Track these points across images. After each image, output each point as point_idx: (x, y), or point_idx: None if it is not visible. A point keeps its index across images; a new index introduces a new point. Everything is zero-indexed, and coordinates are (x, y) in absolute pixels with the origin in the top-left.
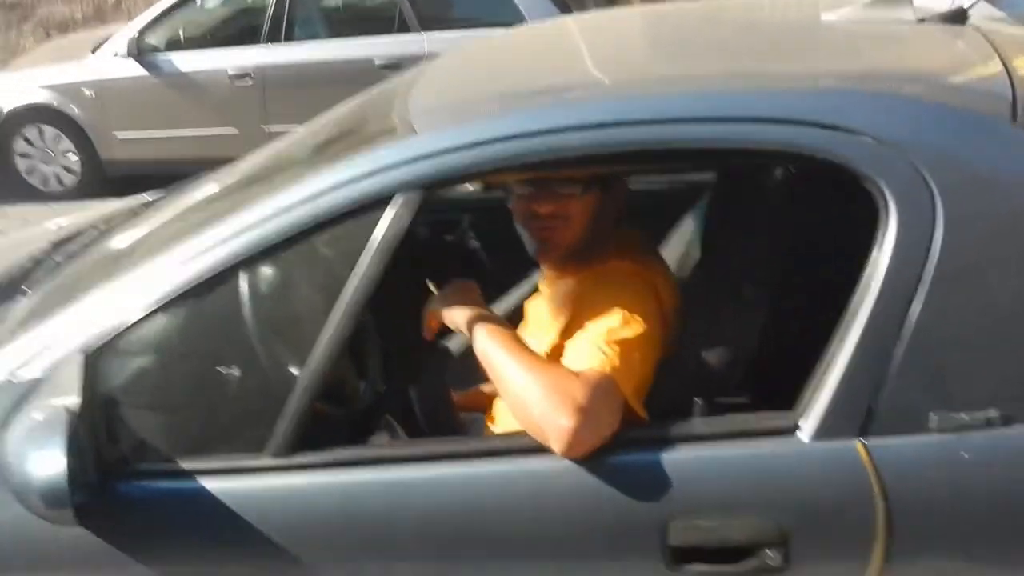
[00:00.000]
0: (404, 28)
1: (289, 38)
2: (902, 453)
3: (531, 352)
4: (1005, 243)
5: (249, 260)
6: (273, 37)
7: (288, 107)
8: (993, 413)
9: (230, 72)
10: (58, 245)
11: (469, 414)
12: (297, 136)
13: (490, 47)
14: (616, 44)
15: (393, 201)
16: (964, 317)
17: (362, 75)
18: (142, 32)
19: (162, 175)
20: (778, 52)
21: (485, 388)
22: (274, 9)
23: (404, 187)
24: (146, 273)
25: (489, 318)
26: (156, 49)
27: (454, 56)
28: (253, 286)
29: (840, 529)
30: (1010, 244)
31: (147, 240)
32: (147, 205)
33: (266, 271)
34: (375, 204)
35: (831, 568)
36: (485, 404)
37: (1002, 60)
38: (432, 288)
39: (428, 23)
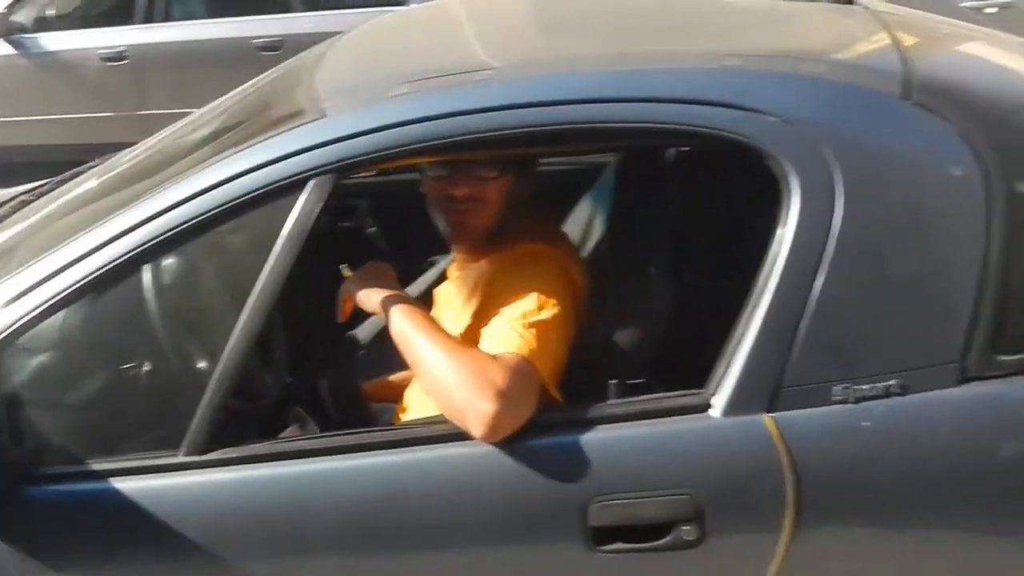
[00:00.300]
0: (286, 8)
1: (165, 18)
2: (808, 425)
3: (448, 335)
4: (900, 217)
5: (156, 250)
6: (148, 17)
7: (165, 90)
8: (892, 383)
9: (104, 53)
10: None
11: (379, 404)
12: (195, 121)
13: (391, 27)
14: (515, 25)
15: (307, 186)
16: (864, 291)
17: (241, 57)
18: (8, 10)
19: (34, 162)
20: (677, 32)
21: (394, 378)
22: None
23: (317, 171)
24: (47, 265)
25: (405, 300)
26: (24, 29)
27: (356, 37)
28: (160, 277)
29: (752, 501)
30: (905, 218)
31: (44, 231)
32: (36, 194)
33: (174, 261)
34: (288, 189)
35: (745, 539)
36: (395, 394)
37: (892, 38)
38: (346, 272)
39: (310, 2)
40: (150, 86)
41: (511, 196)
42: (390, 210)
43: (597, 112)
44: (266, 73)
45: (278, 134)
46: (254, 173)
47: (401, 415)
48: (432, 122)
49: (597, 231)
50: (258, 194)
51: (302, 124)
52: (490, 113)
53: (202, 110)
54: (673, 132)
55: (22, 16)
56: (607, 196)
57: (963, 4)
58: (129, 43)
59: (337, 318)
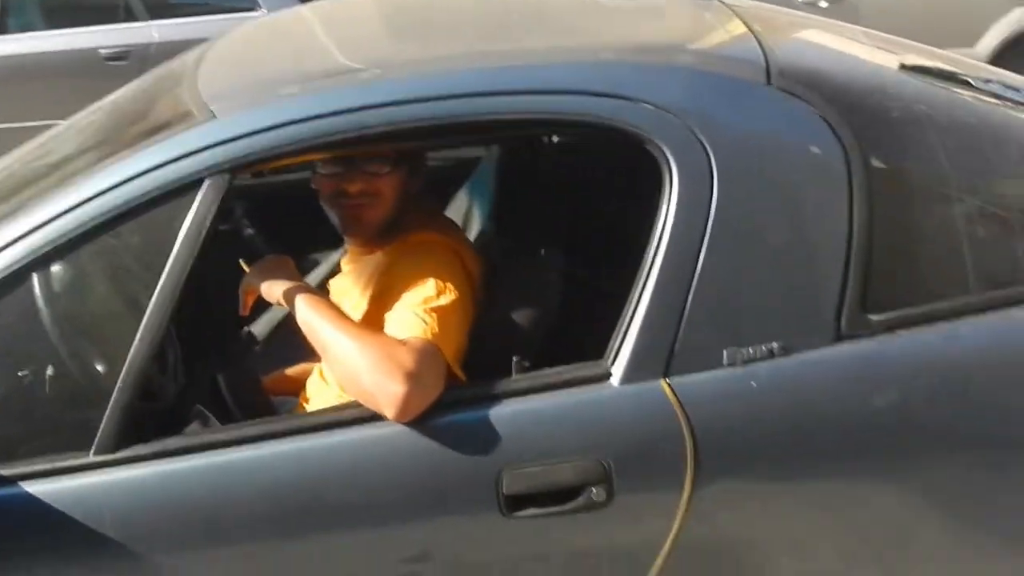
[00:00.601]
0: (131, 16)
1: (2, 31)
2: (701, 388)
3: (354, 322)
4: (772, 193)
5: (47, 256)
6: None
7: (8, 102)
8: (774, 345)
9: None
10: None
11: (279, 398)
12: (71, 127)
13: (260, 34)
14: (381, 31)
15: (202, 186)
16: (743, 262)
17: (87, 67)
18: None
19: None
20: (543, 30)
21: (291, 371)
22: None
23: (211, 171)
24: None
25: (308, 290)
26: None
27: (227, 44)
28: (57, 282)
29: (654, 462)
30: (776, 194)
31: None
32: None
33: (71, 265)
34: (183, 189)
35: (650, 497)
36: (293, 387)
37: (749, 28)
38: (245, 267)
39: (156, 11)
40: None
41: (404, 190)
42: (266, 212)
43: (488, 105)
44: (134, 81)
45: (169, 136)
46: (148, 175)
47: (304, 405)
48: (325, 119)
49: (480, 221)
50: (154, 195)
51: (193, 126)
52: (383, 109)
53: (73, 119)
54: (560, 122)
55: None
56: (485, 187)
57: None
58: None
59: (240, 311)
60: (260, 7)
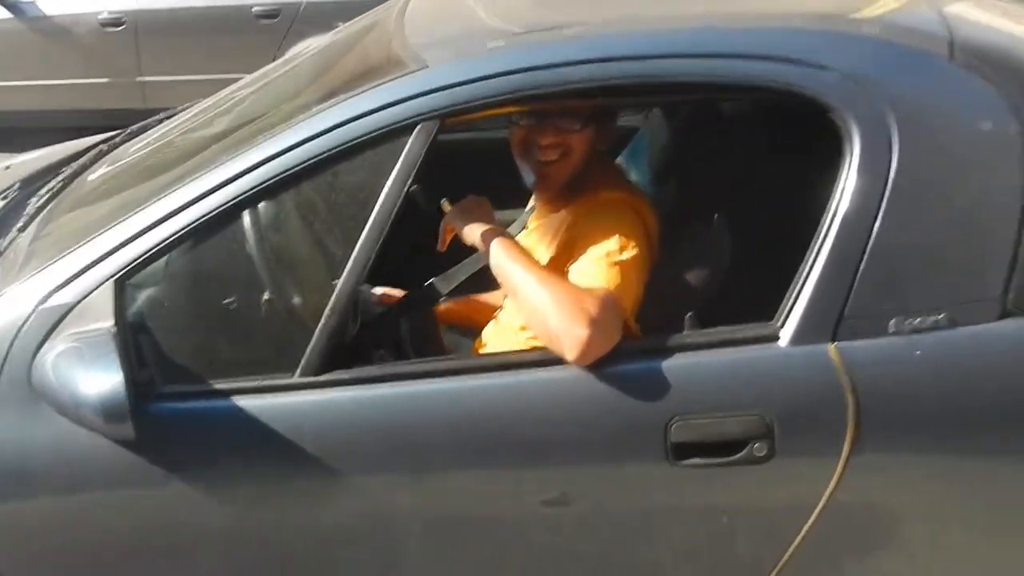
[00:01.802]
0: None
1: None
2: (867, 354)
3: (544, 268)
4: (948, 167)
5: (275, 188)
6: None
7: (163, 56)
8: (940, 317)
9: (101, 18)
10: (28, 182)
11: (455, 343)
12: (277, 74)
13: None
14: None
15: (415, 130)
16: (916, 234)
17: (239, 23)
18: None
19: (34, 127)
20: None
21: (462, 304)
22: None
23: (424, 117)
24: (169, 203)
25: (503, 233)
26: None
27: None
28: (278, 214)
29: (816, 422)
30: (952, 168)
31: (155, 172)
32: (112, 144)
33: (291, 199)
34: (398, 132)
35: (810, 455)
36: (463, 318)
37: (930, 3)
38: (446, 205)
39: None
40: (148, 52)
41: (592, 147)
42: (463, 168)
43: (683, 67)
44: (336, 32)
45: (385, 82)
46: (367, 117)
47: (479, 351)
48: (531, 72)
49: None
50: (371, 136)
51: (408, 73)
52: (585, 65)
53: (272, 65)
54: (748, 87)
55: None
56: (642, 156)
57: None
58: (127, 8)
59: (438, 247)
60: None
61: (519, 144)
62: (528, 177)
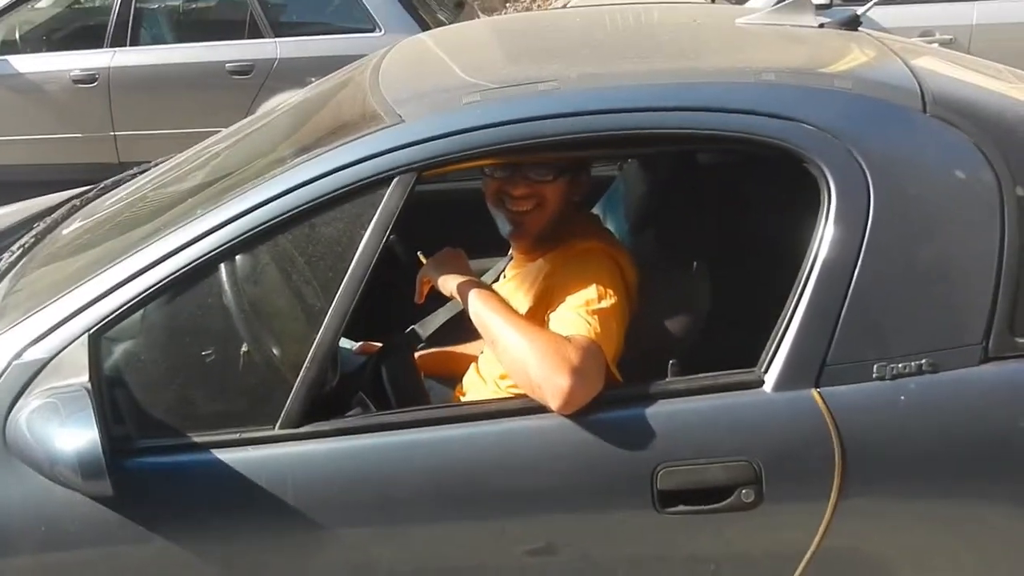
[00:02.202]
0: (256, 33)
1: (135, 42)
2: (851, 399)
3: (523, 317)
4: (926, 216)
5: (251, 240)
6: (118, 41)
7: (136, 111)
8: (923, 362)
9: (73, 75)
10: (1, 237)
11: (436, 390)
12: (256, 127)
13: (430, 45)
14: (542, 47)
15: (391, 184)
16: (896, 280)
17: (213, 80)
18: None
19: (3, 182)
20: (713, 50)
21: (440, 352)
22: (119, 12)
23: (400, 170)
24: (144, 256)
25: (481, 284)
26: None
27: (399, 54)
28: (254, 268)
29: (804, 467)
30: (930, 216)
31: (130, 226)
32: (85, 199)
33: (266, 252)
34: (375, 185)
35: (798, 501)
36: (442, 369)
37: (900, 59)
38: (422, 258)
39: (280, 29)
40: (120, 107)
41: (566, 198)
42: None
43: (656, 120)
44: (310, 88)
45: (361, 136)
46: (343, 171)
47: (460, 399)
48: (508, 127)
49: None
50: (349, 189)
51: (383, 128)
52: (560, 119)
53: (247, 120)
54: (723, 139)
55: None
56: (618, 205)
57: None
58: (99, 66)
59: (415, 300)
60: (379, 28)
61: (492, 195)
62: (504, 227)
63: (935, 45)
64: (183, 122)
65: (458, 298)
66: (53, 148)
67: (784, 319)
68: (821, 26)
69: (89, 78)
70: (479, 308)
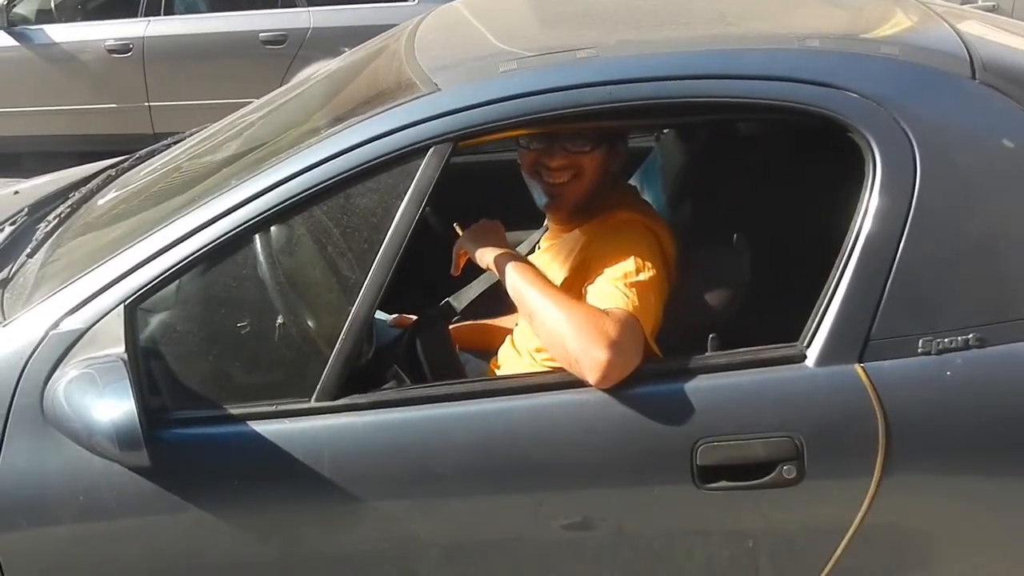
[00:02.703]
0: (289, 3)
1: (168, 12)
2: (896, 374)
3: (560, 290)
4: (974, 185)
5: (286, 211)
6: (152, 10)
7: (170, 81)
8: (971, 336)
9: (108, 45)
10: (36, 208)
11: (471, 364)
12: (288, 97)
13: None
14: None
15: (427, 153)
16: (943, 253)
17: (246, 49)
18: (10, 3)
19: (41, 152)
20: (754, 15)
21: (475, 326)
22: None
23: (436, 140)
24: (179, 227)
25: (517, 256)
26: (27, 20)
27: (435, 21)
28: (291, 238)
29: (846, 443)
30: (978, 186)
31: (165, 196)
32: (121, 169)
33: (301, 222)
34: (411, 155)
35: (839, 477)
36: (477, 342)
37: (947, 24)
38: (458, 229)
39: None
40: (155, 78)
41: (603, 169)
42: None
43: (698, 88)
44: (339, 58)
45: (397, 105)
46: (379, 140)
47: (495, 372)
48: (545, 95)
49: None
50: (384, 159)
51: (419, 96)
52: (598, 88)
53: (281, 90)
54: (766, 107)
55: (24, 8)
56: (656, 176)
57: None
58: (134, 35)
59: (452, 272)
60: None
61: (529, 166)
62: (540, 199)
63: (978, 9)
64: (217, 92)
65: (494, 270)
66: (88, 119)
67: (827, 293)
68: None
69: (124, 48)
70: (516, 280)
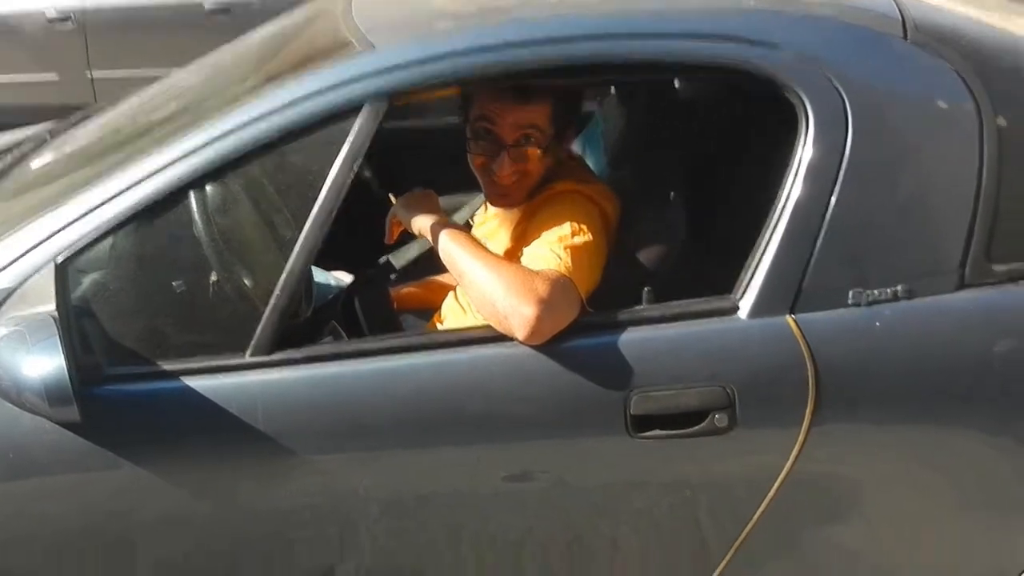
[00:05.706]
0: None
1: None
2: (826, 325)
3: (491, 253)
4: (905, 142)
5: (221, 168)
6: None
7: (112, 51)
8: (899, 288)
9: (49, 15)
10: None
11: (410, 320)
12: (221, 58)
13: None
14: None
15: (361, 111)
16: (873, 207)
17: (191, 19)
18: None
19: None
20: None
21: (418, 287)
22: None
23: (371, 98)
24: (112, 185)
25: (450, 224)
26: None
27: None
28: (225, 195)
29: (777, 393)
30: (908, 143)
31: (99, 156)
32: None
33: (236, 180)
34: (345, 114)
35: (770, 427)
36: (419, 302)
37: None
38: (391, 198)
39: None
40: (96, 48)
41: (553, 159)
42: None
43: (632, 47)
44: (281, 18)
45: (332, 63)
46: (313, 98)
47: (437, 325)
48: (481, 53)
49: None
50: (319, 117)
51: (354, 55)
52: (537, 46)
53: (217, 51)
54: (700, 66)
55: None
56: (597, 139)
57: None
58: (75, 5)
59: (385, 240)
60: None
61: (478, 167)
62: (488, 192)
63: None
64: (161, 63)
65: (428, 237)
66: (28, 89)
67: (760, 246)
68: None
69: (64, 17)
70: (447, 244)
